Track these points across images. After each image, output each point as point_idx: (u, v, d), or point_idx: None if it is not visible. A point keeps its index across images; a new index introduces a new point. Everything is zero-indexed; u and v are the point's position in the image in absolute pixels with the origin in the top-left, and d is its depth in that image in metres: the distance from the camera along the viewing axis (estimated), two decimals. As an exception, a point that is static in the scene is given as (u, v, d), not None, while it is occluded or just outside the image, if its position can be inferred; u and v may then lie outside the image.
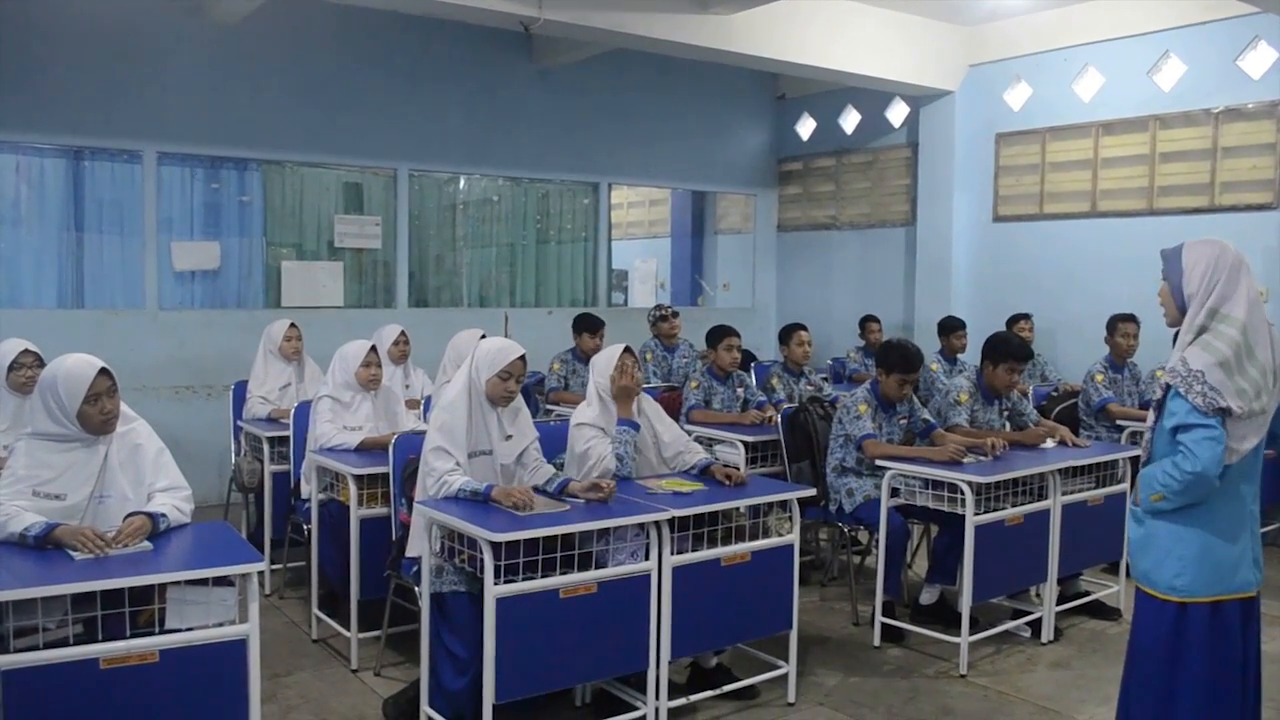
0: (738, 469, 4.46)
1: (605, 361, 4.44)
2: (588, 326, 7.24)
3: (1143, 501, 3.09)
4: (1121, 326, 6.60)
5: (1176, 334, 3.10)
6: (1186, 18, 7.88)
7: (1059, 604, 5.20)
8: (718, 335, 6.25)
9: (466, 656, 3.66)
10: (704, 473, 4.39)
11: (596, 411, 4.38)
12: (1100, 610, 5.45)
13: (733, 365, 6.26)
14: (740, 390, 6.31)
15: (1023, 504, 4.85)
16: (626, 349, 4.43)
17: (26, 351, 4.65)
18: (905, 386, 5.22)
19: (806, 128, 10.92)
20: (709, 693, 4.22)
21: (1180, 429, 2.94)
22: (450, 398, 4.04)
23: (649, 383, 7.28)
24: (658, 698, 3.90)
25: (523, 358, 4.05)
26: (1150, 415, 3.13)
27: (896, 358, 5.20)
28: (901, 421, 5.29)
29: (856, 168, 10.51)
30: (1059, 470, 4.98)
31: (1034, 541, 4.90)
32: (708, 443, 5.93)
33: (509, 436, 4.09)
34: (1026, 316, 8.32)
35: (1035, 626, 5.11)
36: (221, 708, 2.93)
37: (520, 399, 4.21)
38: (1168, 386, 2.99)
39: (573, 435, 4.37)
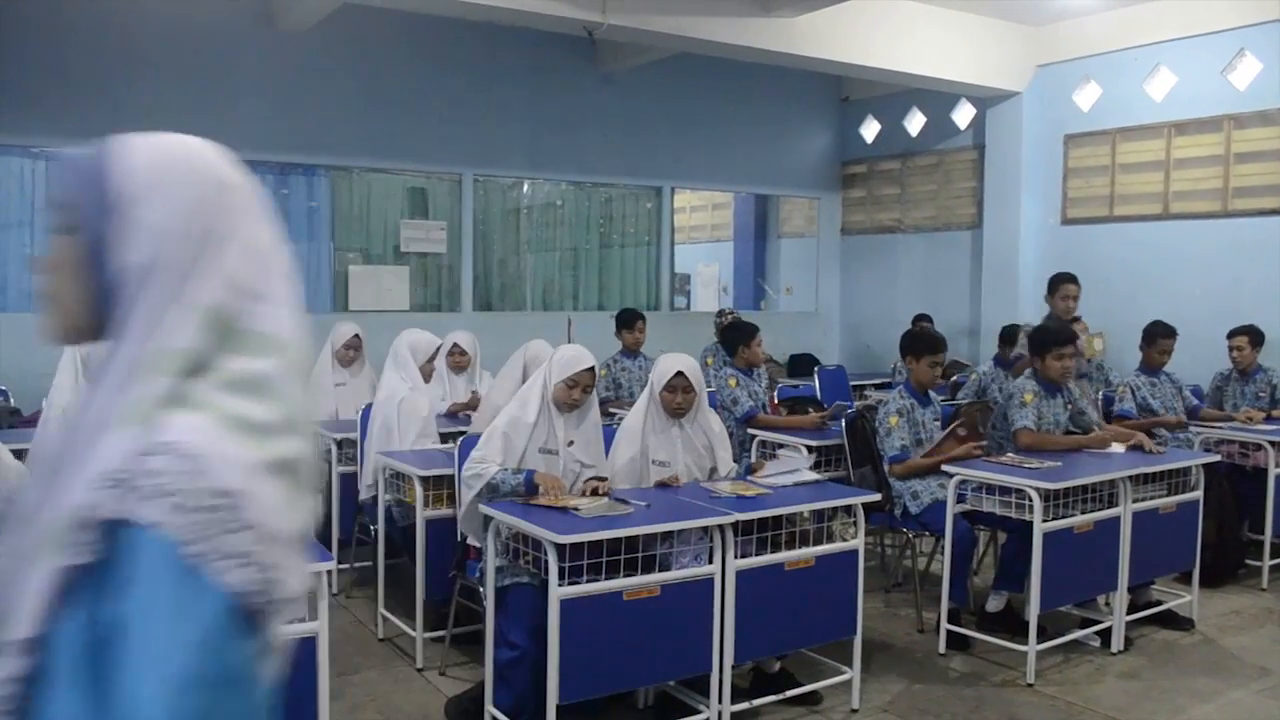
0: None
1: (663, 369, 4.38)
2: (625, 323, 7.21)
3: None
4: (1161, 342, 6.48)
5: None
6: (1262, 15, 7.69)
7: (1129, 613, 5.10)
8: (748, 333, 6.32)
9: (525, 645, 3.70)
10: None
11: (641, 419, 4.37)
12: (1172, 620, 5.33)
13: (758, 362, 6.39)
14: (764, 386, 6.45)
15: (1092, 510, 4.77)
16: (679, 373, 4.31)
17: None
18: (936, 368, 5.39)
19: (871, 130, 10.84)
20: (772, 697, 4.20)
21: None
22: (525, 396, 4.15)
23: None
24: (720, 701, 3.89)
25: (591, 369, 4.09)
26: None
27: (923, 343, 5.39)
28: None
29: (922, 170, 10.41)
30: (1130, 476, 4.89)
31: (1104, 549, 4.81)
32: (772, 448, 5.92)
33: (570, 442, 4.14)
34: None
35: (1104, 636, 5.00)
36: (291, 703, 2.97)
37: (593, 413, 4.22)
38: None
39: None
